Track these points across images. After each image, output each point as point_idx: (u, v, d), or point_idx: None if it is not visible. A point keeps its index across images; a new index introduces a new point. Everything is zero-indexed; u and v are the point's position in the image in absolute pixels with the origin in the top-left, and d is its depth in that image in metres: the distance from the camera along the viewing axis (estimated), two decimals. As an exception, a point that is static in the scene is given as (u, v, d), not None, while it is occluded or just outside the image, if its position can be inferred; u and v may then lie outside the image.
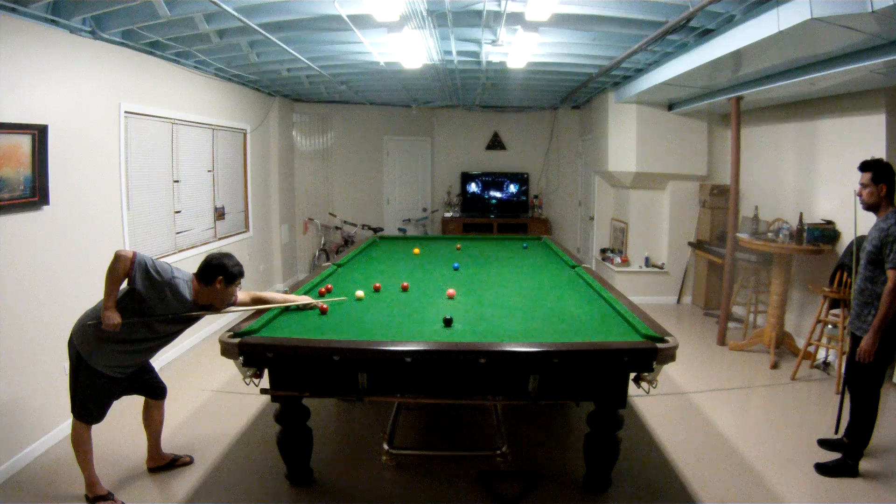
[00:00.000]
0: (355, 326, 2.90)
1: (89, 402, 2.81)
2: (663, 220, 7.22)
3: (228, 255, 2.90)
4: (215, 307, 2.94)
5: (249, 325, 2.77)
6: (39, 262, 3.42)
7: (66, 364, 2.86)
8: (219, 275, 2.82)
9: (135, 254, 2.72)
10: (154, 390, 3.11)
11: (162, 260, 2.88)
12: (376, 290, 3.60)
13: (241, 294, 3.06)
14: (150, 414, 3.14)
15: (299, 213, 8.44)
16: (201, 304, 2.89)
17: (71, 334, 2.81)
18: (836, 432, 3.54)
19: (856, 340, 3.15)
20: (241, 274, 2.90)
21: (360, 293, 3.43)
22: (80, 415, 2.82)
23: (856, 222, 3.59)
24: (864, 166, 3.11)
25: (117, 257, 2.69)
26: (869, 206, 3.11)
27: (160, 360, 4.78)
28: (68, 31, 3.64)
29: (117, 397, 2.94)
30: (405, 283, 3.69)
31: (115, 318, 2.68)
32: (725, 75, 4.82)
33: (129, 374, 2.91)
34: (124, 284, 2.76)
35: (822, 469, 3.18)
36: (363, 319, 3.03)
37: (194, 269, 2.91)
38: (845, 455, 3.19)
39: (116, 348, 2.78)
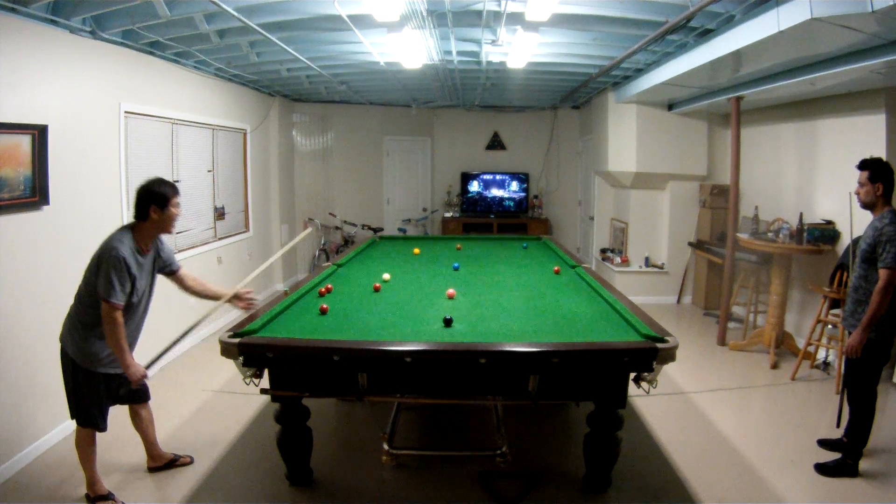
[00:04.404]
0: (355, 326, 2.90)
1: (93, 407, 2.78)
2: (663, 220, 7.22)
3: (151, 180, 2.78)
4: (163, 236, 2.88)
5: (249, 325, 2.77)
6: (39, 263, 3.42)
7: (60, 371, 2.80)
8: (150, 204, 2.73)
9: (107, 302, 2.60)
10: (138, 395, 3.06)
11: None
12: (376, 290, 3.60)
13: (188, 276, 3.02)
14: (138, 416, 3.11)
15: (299, 213, 8.45)
16: (149, 244, 2.81)
17: (62, 344, 2.77)
18: (838, 426, 3.55)
19: (847, 335, 3.19)
20: (171, 193, 2.78)
21: (386, 276, 3.82)
22: (85, 421, 2.79)
23: (851, 222, 3.60)
24: (863, 165, 3.13)
25: (108, 320, 2.62)
26: (865, 205, 3.14)
27: (161, 359, 4.76)
28: (68, 31, 3.64)
29: (111, 404, 2.90)
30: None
31: (140, 370, 2.70)
32: (725, 75, 4.82)
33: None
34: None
35: (822, 469, 3.19)
36: (363, 319, 3.03)
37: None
38: (845, 455, 3.19)
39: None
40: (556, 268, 4.26)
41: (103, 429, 2.85)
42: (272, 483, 3.08)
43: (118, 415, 3.11)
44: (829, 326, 4.59)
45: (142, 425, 3.13)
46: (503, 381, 2.63)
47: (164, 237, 2.98)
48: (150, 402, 3.17)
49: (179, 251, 5.13)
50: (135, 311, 2.82)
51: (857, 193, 3.15)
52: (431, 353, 2.54)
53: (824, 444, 3.46)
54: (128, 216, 4.32)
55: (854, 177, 3.18)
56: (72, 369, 2.75)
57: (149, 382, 3.04)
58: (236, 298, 3.07)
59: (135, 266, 2.71)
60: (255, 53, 5.00)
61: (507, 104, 8.72)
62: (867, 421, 3.13)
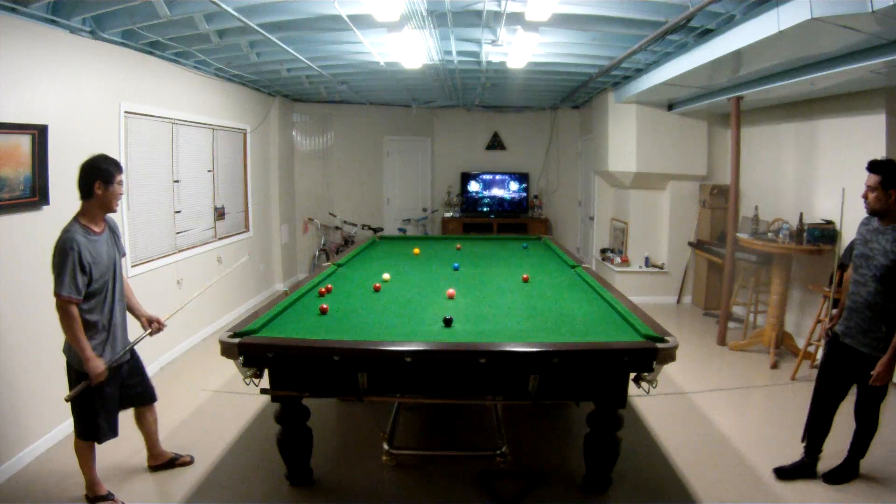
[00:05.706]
0: (355, 326, 2.90)
1: (101, 414, 2.75)
2: (663, 220, 7.22)
3: (95, 156, 2.73)
4: (111, 210, 2.79)
5: (249, 325, 2.77)
6: (39, 262, 3.39)
7: (57, 375, 2.79)
8: (95, 180, 2.68)
9: (59, 296, 2.56)
10: (146, 397, 3.06)
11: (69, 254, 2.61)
12: (376, 290, 3.60)
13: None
14: (143, 417, 3.11)
15: (299, 213, 8.45)
16: (100, 224, 2.76)
17: (65, 356, 2.75)
18: (803, 440, 3.23)
19: (848, 350, 2.95)
20: (115, 170, 2.73)
21: (386, 276, 3.84)
22: (90, 434, 2.76)
23: (842, 221, 3.55)
24: (874, 167, 2.80)
25: (60, 314, 2.57)
26: (875, 212, 2.84)
27: (161, 359, 4.79)
28: (68, 31, 3.64)
29: (119, 409, 2.90)
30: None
31: (100, 366, 2.64)
32: (725, 75, 4.82)
33: (125, 354, 2.87)
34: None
35: (829, 478, 3.07)
36: (363, 319, 3.03)
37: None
38: (849, 457, 3.11)
39: (103, 335, 2.73)
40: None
41: (109, 437, 2.81)
42: (272, 483, 3.08)
43: (120, 415, 3.11)
44: (829, 326, 4.58)
45: (145, 424, 3.13)
46: (503, 381, 2.63)
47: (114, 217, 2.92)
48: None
49: (179, 251, 5.13)
50: (102, 296, 2.73)
51: (865, 197, 2.87)
52: (431, 353, 2.54)
53: (781, 472, 3.16)
54: (127, 215, 4.35)
55: (854, 176, 3.15)
56: (76, 380, 2.72)
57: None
58: (147, 321, 3.02)
59: (88, 250, 2.62)
60: (255, 53, 5.00)
61: (507, 104, 8.72)
62: (871, 433, 3.05)
